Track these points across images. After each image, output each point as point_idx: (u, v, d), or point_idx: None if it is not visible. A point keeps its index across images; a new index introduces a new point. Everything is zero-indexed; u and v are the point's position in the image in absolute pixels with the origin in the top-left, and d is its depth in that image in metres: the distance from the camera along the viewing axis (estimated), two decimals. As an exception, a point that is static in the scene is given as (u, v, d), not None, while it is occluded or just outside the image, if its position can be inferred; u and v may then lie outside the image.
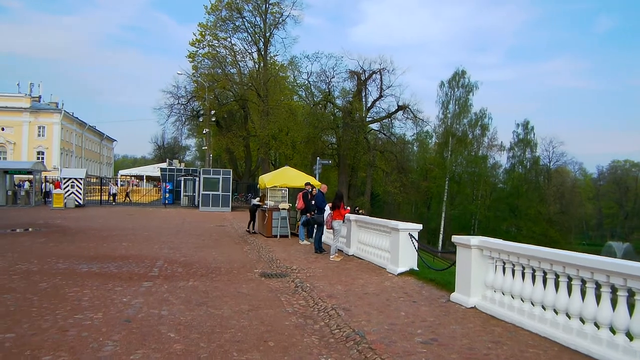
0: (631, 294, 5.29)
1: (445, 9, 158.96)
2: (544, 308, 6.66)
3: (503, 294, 7.57)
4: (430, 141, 79.71)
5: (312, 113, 54.04)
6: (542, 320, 6.54)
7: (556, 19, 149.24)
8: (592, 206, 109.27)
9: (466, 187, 72.56)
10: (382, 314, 7.71)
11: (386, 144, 55.56)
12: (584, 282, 5.96)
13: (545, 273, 6.61)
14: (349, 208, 15.85)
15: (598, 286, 5.74)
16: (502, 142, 76.89)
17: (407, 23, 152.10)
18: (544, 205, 74.58)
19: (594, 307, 5.77)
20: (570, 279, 6.14)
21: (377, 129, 57.42)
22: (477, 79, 75.40)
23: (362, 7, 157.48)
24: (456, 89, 70.84)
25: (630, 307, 5.35)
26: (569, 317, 6.18)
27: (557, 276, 6.38)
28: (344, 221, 14.97)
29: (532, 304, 6.86)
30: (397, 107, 54.39)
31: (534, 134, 78.65)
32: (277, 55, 54.40)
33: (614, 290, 5.52)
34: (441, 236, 63.97)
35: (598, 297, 5.74)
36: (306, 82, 57.63)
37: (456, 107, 70.51)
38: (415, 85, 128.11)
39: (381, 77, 54.48)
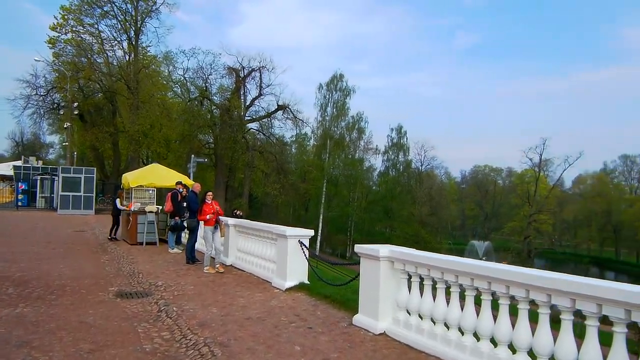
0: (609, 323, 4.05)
1: (322, 16, 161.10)
2: (477, 338, 5.32)
3: (421, 318, 6.15)
4: (308, 143, 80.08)
5: (188, 110, 51.01)
6: (477, 354, 5.17)
7: (422, 32, 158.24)
8: (456, 208, 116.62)
9: (343, 189, 73.39)
10: (271, 350, 5.93)
11: (265, 145, 54.02)
12: (546, 307, 4.66)
13: (479, 293, 5.27)
14: (211, 215, 13.29)
15: (555, 311, 4.48)
16: (377, 145, 78.92)
17: (285, 27, 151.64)
18: (415, 207, 77.67)
19: (548, 338, 4.49)
20: (515, 301, 4.83)
21: (256, 128, 55.75)
22: (353, 83, 77.46)
23: (241, 9, 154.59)
24: (334, 92, 71.55)
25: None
26: (514, 352, 4.85)
27: (495, 297, 5.07)
28: (217, 225, 12.86)
29: (461, 331, 5.51)
30: (276, 107, 53.05)
31: (406, 139, 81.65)
32: (150, 45, 50.60)
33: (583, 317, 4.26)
34: (319, 238, 63.96)
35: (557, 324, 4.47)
36: (182, 78, 54.43)
37: (334, 110, 71.19)
38: (294, 89, 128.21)
39: (261, 75, 52.87)
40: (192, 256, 13.62)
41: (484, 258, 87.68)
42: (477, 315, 5.28)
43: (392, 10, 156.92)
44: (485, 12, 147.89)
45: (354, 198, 74.68)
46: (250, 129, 55.10)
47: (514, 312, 4.87)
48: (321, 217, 65.12)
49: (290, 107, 52.82)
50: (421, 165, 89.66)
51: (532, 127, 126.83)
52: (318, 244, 63.13)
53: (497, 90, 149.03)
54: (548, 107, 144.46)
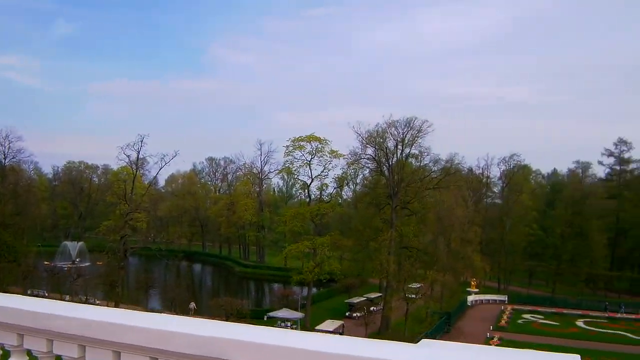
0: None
1: None
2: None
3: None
4: None
5: None
6: None
7: (19, 14, 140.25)
8: (48, 207, 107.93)
9: None
10: None
11: None
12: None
13: None
14: None
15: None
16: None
17: None
18: (-4, 206, 68.33)
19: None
20: None
21: None
22: None
23: None
24: None
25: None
26: None
27: None
28: None
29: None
30: None
31: (-14, 128, 70.87)
32: None
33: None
34: None
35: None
36: None
37: None
38: None
39: None
40: None
41: (77, 260, 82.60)
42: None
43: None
44: (86, 4, 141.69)
45: None
46: None
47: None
48: None
49: None
50: (4, 158, 79.07)
51: (132, 126, 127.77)
52: None
53: (94, 86, 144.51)
54: (149, 107, 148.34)
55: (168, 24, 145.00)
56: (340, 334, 47.17)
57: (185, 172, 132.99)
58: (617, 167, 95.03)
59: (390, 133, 54.79)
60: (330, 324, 45.76)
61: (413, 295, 50.73)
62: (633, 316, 63.09)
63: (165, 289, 58.46)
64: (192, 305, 55.64)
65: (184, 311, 52.24)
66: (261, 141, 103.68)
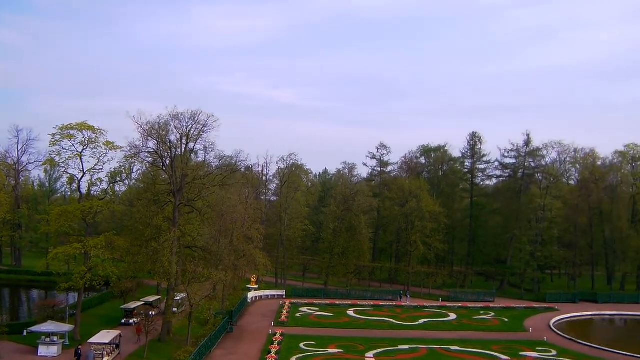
0: None
1: None
2: None
3: None
4: None
5: None
6: None
7: None
8: None
9: None
10: None
11: None
12: None
13: None
14: None
15: None
16: None
17: None
18: None
19: None
20: None
21: None
22: None
23: None
24: None
25: None
26: None
27: None
28: None
29: None
30: None
31: None
32: None
33: None
34: None
35: None
36: None
37: None
38: None
39: None
40: None
41: None
42: None
43: None
44: None
45: None
46: None
47: None
48: None
49: None
50: None
51: None
52: None
53: None
54: None
55: None
56: (117, 345, 42.92)
57: None
58: (378, 169, 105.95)
59: (175, 126, 51.77)
60: (105, 335, 41.09)
61: (180, 309, 50.67)
62: (394, 303, 70.77)
63: None
64: None
65: None
66: (19, 127, 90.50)
